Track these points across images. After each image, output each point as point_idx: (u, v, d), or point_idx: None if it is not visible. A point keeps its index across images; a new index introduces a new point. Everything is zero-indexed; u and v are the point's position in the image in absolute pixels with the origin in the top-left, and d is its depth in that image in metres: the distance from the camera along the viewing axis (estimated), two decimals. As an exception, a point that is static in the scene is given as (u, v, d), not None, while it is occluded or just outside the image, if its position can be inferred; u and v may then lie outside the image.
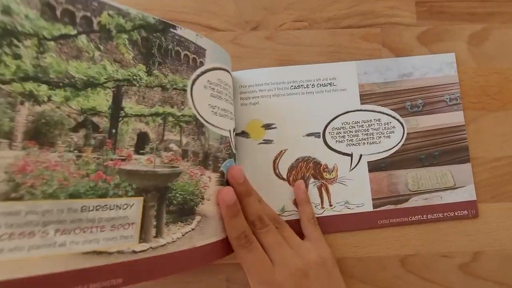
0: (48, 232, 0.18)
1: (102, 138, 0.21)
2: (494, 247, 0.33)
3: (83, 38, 0.21)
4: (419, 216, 0.33)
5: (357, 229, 0.33)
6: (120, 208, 0.21)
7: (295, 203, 0.33)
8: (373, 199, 0.33)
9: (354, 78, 0.35)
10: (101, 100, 0.21)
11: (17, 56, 0.18)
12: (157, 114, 0.24)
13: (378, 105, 0.35)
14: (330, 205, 0.33)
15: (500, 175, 0.35)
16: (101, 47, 0.22)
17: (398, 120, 0.35)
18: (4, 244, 0.17)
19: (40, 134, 0.19)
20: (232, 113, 0.30)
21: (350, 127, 0.34)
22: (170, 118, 0.25)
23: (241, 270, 0.27)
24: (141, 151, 0.23)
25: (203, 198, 0.26)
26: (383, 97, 0.35)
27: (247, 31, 0.36)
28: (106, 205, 0.20)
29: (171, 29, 0.25)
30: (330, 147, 0.34)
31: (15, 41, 0.18)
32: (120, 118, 0.22)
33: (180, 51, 0.26)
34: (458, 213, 0.33)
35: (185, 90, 0.25)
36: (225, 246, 0.27)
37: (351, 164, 0.34)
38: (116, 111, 0.22)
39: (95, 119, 0.21)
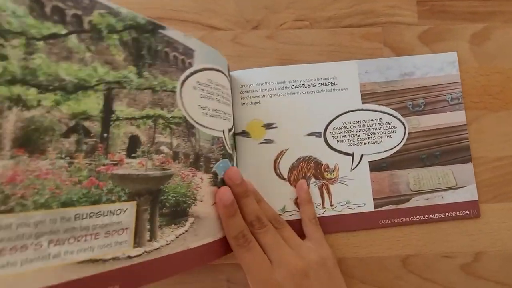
0: (42, 244, 0.18)
1: (94, 143, 0.21)
2: (496, 247, 0.33)
3: (73, 38, 0.20)
4: (421, 216, 0.33)
5: (358, 229, 0.33)
6: (113, 214, 0.21)
7: (296, 203, 0.33)
8: (374, 199, 0.33)
9: (355, 77, 0.35)
10: (92, 103, 0.21)
11: (3, 57, 0.17)
12: (147, 117, 0.23)
13: (379, 104, 0.35)
14: (331, 205, 0.33)
15: (502, 175, 0.34)
16: (92, 48, 0.21)
17: (399, 119, 0.35)
18: None
19: (30, 141, 0.18)
20: (226, 113, 0.30)
21: (351, 127, 0.34)
22: (161, 120, 0.24)
23: (242, 271, 0.27)
24: (132, 155, 0.22)
25: (195, 199, 0.25)
26: (384, 97, 0.35)
27: (247, 30, 0.36)
28: (99, 211, 0.20)
29: (160, 30, 0.25)
30: (331, 147, 0.34)
31: (1, 41, 0.17)
32: (112, 122, 0.21)
33: (169, 52, 0.25)
34: (459, 213, 0.33)
35: (174, 92, 0.25)
36: (220, 247, 0.27)
37: (352, 164, 0.34)
38: (107, 115, 0.21)
39: (87, 123, 0.20)
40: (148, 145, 0.23)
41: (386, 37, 0.36)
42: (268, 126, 0.34)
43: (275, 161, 0.33)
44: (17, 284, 0.17)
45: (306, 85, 0.35)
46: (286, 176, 0.33)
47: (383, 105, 0.35)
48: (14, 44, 0.18)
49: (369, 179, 0.34)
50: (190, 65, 0.26)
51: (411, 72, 0.35)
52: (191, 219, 0.25)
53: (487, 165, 0.34)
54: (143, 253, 0.21)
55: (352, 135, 0.34)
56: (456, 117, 0.35)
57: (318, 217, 0.32)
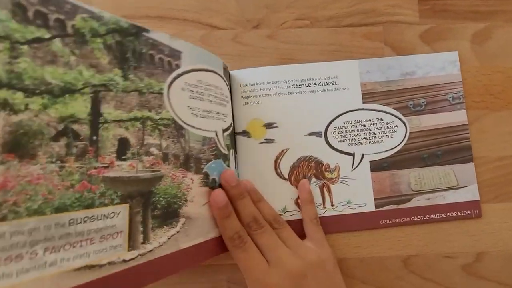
0: (37, 252, 0.17)
1: (84, 146, 0.20)
2: (497, 248, 0.33)
3: (57, 42, 0.20)
4: (422, 216, 0.33)
5: (359, 229, 0.33)
6: (107, 218, 0.20)
7: (297, 203, 0.33)
8: (375, 199, 0.33)
9: (356, 77, 0.35)
10: (80, 106, 0.21)
11: None
12: (135, 119, 0.23)
13: (380, 104, 0.35)
14: (332, 205, 0.33)
15: (504, 174, 0.34)
16: (76, 52, 0.21)
17: (400, 119, 0.34)
18: None
19: (19, 145, 0.18)
20: (220, 113, 0.30)
21: (352, 126, 0.34)
22: (149, 122, 0.24)
23: (242, 271, 0.27)
24: (123, 157, 0.22)
25: (186, 200, 0.26)
26: (385, 96, 0.35)
27: (248, 30, 0.36)
28: (93, 215, 0.20)
29: (144, 33, 0.25)
30: (332, 147, 0.34)
31: None
32: (100, 124, 0.21)
33: (154, 54, 0.25)
34: (461, 213, 0.33)
35: (161, 94, 0.25)
36: (211, 247, 0.27)
37: (353, 163, 0.34)
38: (95, 118, 0.21)
39: (75, 126, 0.20)
40: (138, 147, 0.23)
41: (387, 36, 0.36)
42: (269, 125, 0.34)
43: (275, 161, 0.33)
44: None
45: (307, 85, 0.35)
46: (286, 176, 0.33)
47: (384, 104, 0.35)
48: None
49: (370, 179, 0.33)
50: (178, 66, 0.27)
51: (412, 72, 0.35)
52: (182, 220, 0.25)
53: (489, 165, 0.34)
54: (137, 256, 0.21)
55: (353, 135, 0.34)
56: (458, 117, 0.35)
57: (319, 217, 0.32)
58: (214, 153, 0.28)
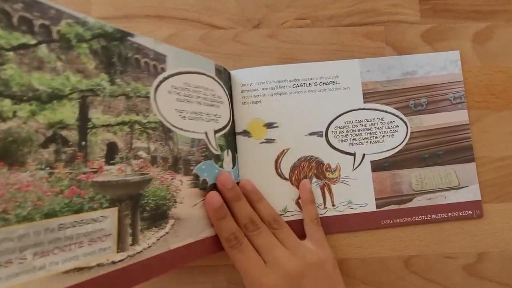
0: (26, 257, 0.17)
1: (73, 151, 0.21)
2: (499, 248, 0.33)
3: (43, 48, 0.20)
4: (423, 216, 0.33)
5: (360, 230, 0.33)
6: (96, 221, 0.21)
7: (298, 203, 0.33)
8: (376, 199, 0.33)
9: (357, 76, 0.35)
10: (68, 112, 0.21)
11: None
12: (123, 123, 0.24)
13: (381, 103, 0.34)
14: (333, 205, 0.33)
15: (505, 174, 0.34)
16: (63, 57, 0.21)
17: (401, 119, 0.34)
18: None
19: (8, 153, 0.18)
20: (211, 114, 0.30)
21: (353, 126, 0.34)
22: (137, 126, 0.24)
23: (243, 271, 0.27)
24: (111, 162, 0.23)
25: (175, 202, 0.26)
26: (386, 96, 0.35)
27: (248, 29, 0.36)
28: (82, 220, 0.20)
29: (128, 37, 0.25)
30: (333, 146, 0.34)
31: None
32: (89, 130, 0.22)
33: (140, 58, 0.25)
34: (462, 213, 0.33)
35: (148, 97, 0.25)
36: (202, 247, 0.27)
37: (354, 163, 0.34)
38: (84, 123, 0.21)
39: (64, 132, 0.20)
40: (126, 151, 0.24)
41: (388, 36, 0.36)
42: (269, 125, 0.34)
43: (276, 161, 0.33)
44: None
45: (308, 84, 0.35)
46: (287, 176, 0.33)
47: (385, 104, 0.34)
48: None
49: (371, 179, 0.33)
50: (163, 70, 0.27)
51: (413, 71, 0.35)
52: (171, 221, 0.25)
53: (490, 164, 0.34)
54: (126, 257, 0.22)
55: (354, 135, 0.34)
56: (459, 117, 0.35)
57: (319, 217, 0.32)
58: (204, 154, 0.29)
